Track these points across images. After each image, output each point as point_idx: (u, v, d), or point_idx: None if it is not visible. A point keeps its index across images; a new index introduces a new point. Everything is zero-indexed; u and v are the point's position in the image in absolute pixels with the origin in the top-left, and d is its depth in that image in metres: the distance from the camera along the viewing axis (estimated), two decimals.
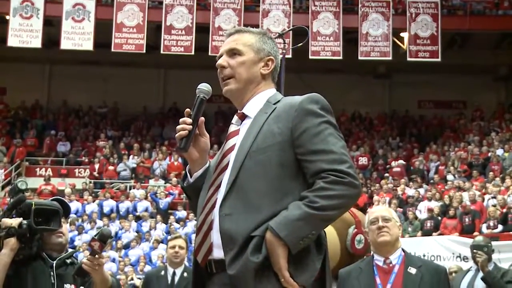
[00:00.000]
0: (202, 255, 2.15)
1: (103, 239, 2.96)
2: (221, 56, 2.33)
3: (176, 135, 2.24)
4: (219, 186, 2.16)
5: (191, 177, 2.32)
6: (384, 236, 3.38)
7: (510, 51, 21.35)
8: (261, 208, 2.06)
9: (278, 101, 2.25)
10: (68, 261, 3.35)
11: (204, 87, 2.29)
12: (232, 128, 2.28)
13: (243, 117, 2.27)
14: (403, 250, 3.48)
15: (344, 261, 3.54)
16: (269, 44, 2.34)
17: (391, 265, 3.40)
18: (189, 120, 2.23)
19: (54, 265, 3.29)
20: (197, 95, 2.28)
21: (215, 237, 2.10)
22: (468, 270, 5.24)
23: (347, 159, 2.10)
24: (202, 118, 2.27)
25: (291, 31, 12.30)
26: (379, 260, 3.42)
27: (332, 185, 2.03)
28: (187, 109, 2.27)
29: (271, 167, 2.10)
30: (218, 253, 2.10)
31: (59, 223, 3.24)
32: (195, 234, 2.21)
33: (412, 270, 3.35)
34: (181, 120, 2.24)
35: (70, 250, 3.51)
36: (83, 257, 9.03)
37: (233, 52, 2.30)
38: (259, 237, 2.02)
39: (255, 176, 2.10)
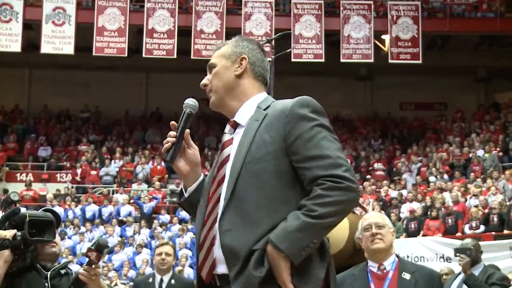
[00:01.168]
0: (206, 271, 2.13)
1: (100, 249, 2.94)
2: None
3: (162, 149, 2.25)
4: (218, 200, 2.14)
5: (186, 193, 2.31)
6: (378, 243, 3.38)
7: (489, 53, 21.62)
8: (260, 220, 2.04)
9: (269, 106, 2.20)
10: (63, 271, 3.33)
11: (191, 102, 2.30)
12: (225, 137, 2.25)
13: (235, 125, 2.24)
14: (397, 255, 3.50)
15: (346, 252, 3.56)
16: (241, 46, 2.30)
17: (385, 271, 3.41)
18: (173, 133, 2.24)
19: (48, 276, 3.27)
20: (184, 109, 2.29)
21: (218, 252, 2.09)
22: (459, 274, 5.29)
23: (343, 162, 2.05)
24: (187, 131, 2.27)
25: (274, 36, 12.31)
26: (373, 266, 3.43)
27: (329, 192, 1.99)
28: (173, 122, 2.27)
29: (267, 177, 2.07)
30: (222, 268, 2.09)
31: (54, 234, 3.22)
32: (196, 249, 2.20)
33: (406, 276, 3.36)
34: (168, 134, 2.26)
35: (63, 260, 3.48)
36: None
37: (210, 68, 2.33)
38: (260, 251, 2.00)
39: (252, 188, 2.07)
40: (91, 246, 2.97)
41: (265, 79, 2.31)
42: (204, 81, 2.32)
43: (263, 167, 2.08)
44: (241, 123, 2.22)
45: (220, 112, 2.32)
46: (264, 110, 2.19)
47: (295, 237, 1.97)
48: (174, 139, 2.22)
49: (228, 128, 2.26)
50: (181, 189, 2.34)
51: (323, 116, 2.14)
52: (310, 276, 2.03)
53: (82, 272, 2.97)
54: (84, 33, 18.67)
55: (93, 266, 2.95)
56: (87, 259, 2.97)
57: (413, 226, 14.19)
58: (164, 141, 2.24)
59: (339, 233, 3.49)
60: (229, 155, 2.19)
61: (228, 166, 2.16)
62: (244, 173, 2.10)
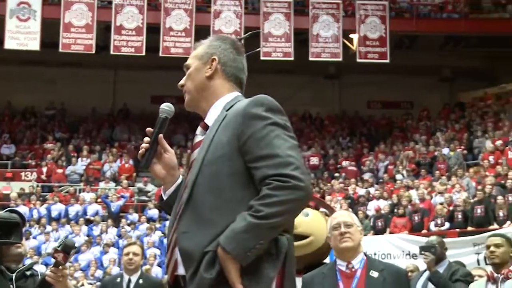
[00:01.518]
0: (170, 272, 2.15)
1: (67, 250, 2.89)
2: None
3: (138, 154, 2.27)
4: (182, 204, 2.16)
5: (164, 196, 2.32)
6: (347, 242, 3.41)
7: (454, 53, 22.00)
8: (215, 222, 2.03)
9: (232, 106, 2.19)
10: (28, 273, 3.28)
11: (166, 107, 2.30)
12: (196, 139, 2.25)
13: (206, 126, 2.24)
14: (365, 254, 3.53)
15: (325, 249, 3.64)
16: (213, 46, 2.30)
17: (353, 269, 3.44)
18: (147, 139, 2.25)
19: (13, 277, 3.21)
20: (160, 114, 2.28)
21: (178, 254, 2.10)
22: (424, 271, 5.38)
23: (293, 161, 2.01)
24: (161, 135, 2.26)
25: (244, 35, 12.32)
26: (341, 264, 3.46)
27: (275, 191, 1.96)
28: (148, 128, 2.27)
29: (222, 179, 2.06)
30: (182, 270, 2.10)
31: (20, 235, 3.17)
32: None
33: (374, 274, 3.40)
34: (143, 139, 2.27)
35: (28, 261, 3.43)
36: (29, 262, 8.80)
37: (186, 68, 2.33)
38: (212, 252, 2.00)
39: (207, 190, 2.07)
40: (58, 247, 2.92)
41: (238, 79, 2.30)
42: (181, 81, 2.33)
43: (218, 168, 2.08)
44: (209, 124, 2.22)
45: (196, 112, 2.33)
46: (227, 111, 2.18)
47: (241, 238, 1.95)
48: (147, 144, 2.24)
49: (199, 129, 2.27)
50: (161, 192, 2.35)
51: (279, 114, 2.10)
52: (261, 276, 2.00)
53: (49, 273, 2.92)
54: (50, 29, 18.38)
55: (60, 267, 2.91)
56: (53, 260, 2.92)
57: (380, 223, 14.35)
58: (140, 147, 2.26)
59: (321, 232, 3.55)
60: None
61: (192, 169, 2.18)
62: (200, 176, 2.10)
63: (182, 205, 2.11)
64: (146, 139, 2.24)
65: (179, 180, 2.31)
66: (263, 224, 1.96)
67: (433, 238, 5.67)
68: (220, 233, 2.00)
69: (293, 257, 2.10)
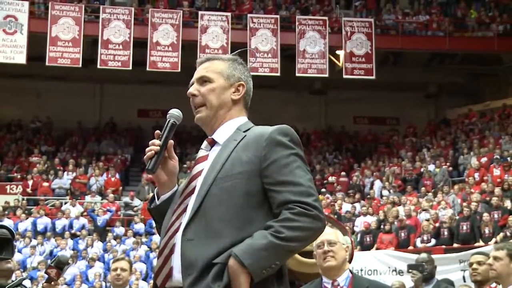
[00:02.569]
0: (162, 279, 2.14)
1: (60, 265, 2.90)
2: (192, 84, 2.34)
3: (144, 156, 2.24)
4: (184, 210, 2.17)
5: (158, 200, 2.32)
6: (330, 261, 3.43)
7: (439, 70, 22.26)
8: (223, 235, 2.07)
9: (248, 129, 2.26)
10: None
11: (175, 112, 2.30)
12: (201, 153, 2.29)
13: (212, 142, 2.28)
14: (350, 271, 3.56)
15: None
16: (239, 70, 2.34)
17: (338, 287, 3.47)
18: (158, 142, 2.23)
19: None
20: (168, 119, 2.28)
21: (176, 261, 2.11)
22: None
23: (314, 193, 2.12)
24: (171, 141, 2.27)
25: (230, 51, 12.38)
26: (327, 282, 3.49)
27: (298, 217, 2.05)
28: (157, 131, 2.27)
29: (237, 195, 2.11)
30: (178, 277, 2.10)
31: (12, 251, 3.16)
32: (157, 257, 2.22)
33: None
34: (150, 142, 2.24)
35: (18, 277, 3.42)
36: (14, 278, 8.71)
37: (203, 80, 2.31)
38: (221, 265, 2.03)
39: (220, 203, 2.11)
40: (51, 263, 2.93)
41: (248, 105, 2.38)
42: (194, 91, 2.31)
43: (234, 184, 2.12)
44: (219, 142, 2.27)
45: (201, 127, 2.34)
46: (244, 132, 2.24)
47: (260, 255, 2.00)
48: (158, 147, 2.22)
49: (205, 144, 2.30)
50: (153, 195, 2.35)
51: (299, 147, 2.20)
52: None
53: None
54: (37, 43, 18.34)
55: (52, 283, 2.91)
56: (46, 276, 2.93)
57: (368, 239, 14.39)
58: (147, 149, 2.23)
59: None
60: (202, 170, 2.22)
61: (200, 180, 2.19)
62: (214, 188, 2.14)
63: (191, 212, 2.13)
64: (156, 142, 2.23)
65: (175, 188, 2.31)
66: (283, 245, 2.03)
67: (423, 255, 5.67)
68: (228, 247, 2.04)
69: (287, 276, 2.17)
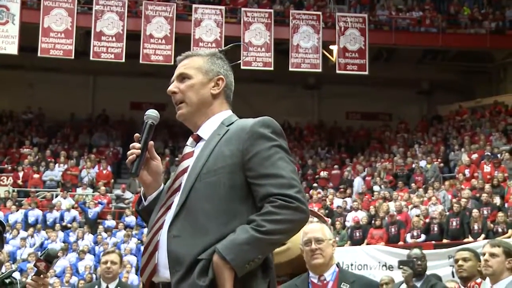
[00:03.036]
0: (146, 276, 2.16)
1: (49, 259, 2.90)
2: (172, 82, 2.35)
3: (127, 160, 2.26)
4: (169, 207, 2.18)
5: (145, 201, 2.33)
6: (318, 259, 3.45)
7: (432, 67, 22.33)
8: (208, 230, 2.08)
9: (232, 123, 2.26)
10: (7, 280, 3.27)
11: (152, 113, 2.32)
12: (186, 149, 2.30)
13: (198, 139, 2.29)
14: (337, 265, 3.58)
15: (299, 261, 3.61)
16: (218, 64, 2.35)
17: (325, 281, 3.49)
18: (138, 145, 2.25)
19: None
20: (145, 120, 2.30)
21: (162, 257, 2.12)
22: (402, 282, 5.43)
23: (296, 184, 2.10)
24: (151, 142, 2.29)
25: (223, 44, 12.35)
26: (313, 277, 3.51)
27: (279, 210, 2.05)
28: (136, 134, 2.28)
29: (221, 190, 2.12)
30: (164, 273, 2.11)
31: (2, 243, 3.16)
32: (142, 254, 2.23)
33: (345, 286, 3.45)
34: (131, 145, 2.26)
35: (8, 269, 3.42)
36: (5, 270, 8.73)
37: (182, 77, 2.33)
38: (205, 261, 2.04)
39: (205, 198, 2.12)
40: (40, 256, 2.92)
41: (230, 99, 2.38)
42: (173, 88, 2.32)
43: (217, 179, 2.13)
44: (204, 137, 2.28)
45: (185, 124, 2.35)
46: (227, 126, 2.25)
47: (241, 250, 2.01)
48: (139, 151, 2.24)
49: (190, 141, 2.31)
50: (140, 197, 2.36)
51: (282, 138, 2.19)
52: None
53: (30, 282, 2.93)
54: (29, 33, 18.25)
55: (42, 276, 2.92)
56: (35, 269, 2.93)
57: (357, 234, 14.44)
58: (128, 153, 2.25)
59: (298, 239, 3.55)
60: (187, 167, 2.23)
61: (185, 177, 2.20)
62: (198, 184, 2.15)
63: (176, 209, 2.14)
64: (137, 145, 2.24)
65: (161, 187, 2.33)
66: (265, 239, 2.04)
67: (416, 251, 5.68)
68: (213, 242, 2.05)
69: (273, 269, 2.18)
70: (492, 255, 3.90)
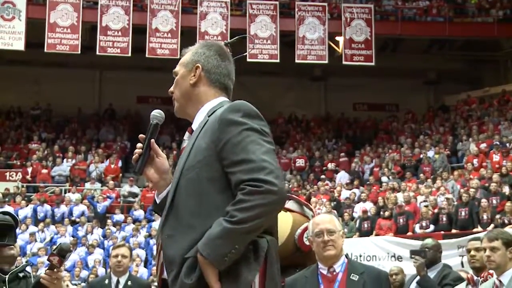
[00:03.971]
0: (158, 273, 2.21)
1: (62, 253, 2.94)
2: None
3: (132, 159, 2.32)
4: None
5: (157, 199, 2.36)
6: (330, 250, 3.45)
7: (438, 56, 22.21)
8: (195, 227, 2.08)
9: (214, 112, 2.21)
10: (21, 274, 3.31)
11: (157, 114, 2.35)
12: (183, 144, 2.32)
13: (192, 132, 2.30)
14: (346, 257, 3.59)
15: (284, 251, 3.53)
16: (199, 54, 2.34)
17: (334, 273, 3.49)
18: (140, 145, 2.29)
19: (6, 279, 3.23)
20: (151, 121, 2.34)
21: (163, 257, 2.16)
22: (416, 275, 5.39)
23: (267, 165, 2.03)
24: (153, 140, 2.30)
25: (229, 37, 12.33)
26: (323, 268, 3.51)
27: (249, 196, 1.99)
28: (141, 135, 2.31)
29: (200, 184, 2.10)
30: (166, 273, 2.16)
31: (15, 237, 3.20)
32: None
33: (355, 277, 3.45)
34: (137, 145, 2.31)
35: (19, 263, 3.46)
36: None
37: (174, 76, 2.40)
38: (192, 258, 2.04)
39: (187, 194, 2.11)
40: (53, 250, 2.97)
41: (222, 84, 2.34)
42: (171, 88, 2.39)
43: (196, 174, 2.12)
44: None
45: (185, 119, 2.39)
46: (209, 116, 2.22)
47: (216, 244, 1.99)
48: (141, 150, 2.28)
49: (187, 135, 2.33)
50: (154, 198, 2.39)
51: (256, 119, 2.13)
52: (239, 280, 2.04)
53: (44, 276, 2.97)
54: (35, 29, 18.29)
55: (55, 270, 2.95)
56: (48, 263, 2.97)
57: (366, 225, 14.43)
58: (134, 152, 2.31)
59: (279, 230, 3.50)
60: None
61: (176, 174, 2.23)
62: (182, 181, 2.15)
63: (166, 209, 2.17)
64: (139, 145, 2.28)
65: (170, 185, 2.33)
66: (237, 229, 1.99)
67: (428, 240, 5.63)
68: (199, 238, 2.04)
69: (275, 258, 2.13)
70: (493, 249, 3.87)
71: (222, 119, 2.13)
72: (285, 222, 3.61)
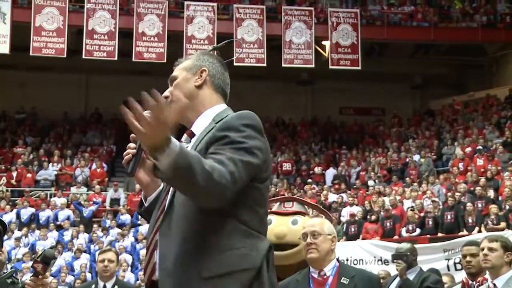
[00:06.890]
0: (147, 275, 2.18)
1: (46, 260, 2.91)
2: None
3: (123, 161, 2.26)
4: (165, 207, 2.19)
5: (146, 202, 2.34)
6: (312, 253, 3.47)
7: (424, 61, 22.38)
8: (188, 229, 2.09)
9: (222, 119, 2.21)
10: (9, 280, 3.27)
11: (149, 114, 2.31)
12: None
13: (192, 135, 2.29)
14: (338, 260, 3.60)
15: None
16: (202, 59, 2.38)
17: (325, 276, 3.50)
18: (133, 145, 2.25)
19: None
20: None
21: (157, 257, 2.15)
22: (396, 276, 5.46)
23: (235, 170, 2.01)
24: None
25: (216, 41, 12.34)
26: (314, 272, 3.52)
27: (223, 171, 2.01)
28: (132, 135, 2.26)
29: None
30: (157, 273, 2.14)
31: (1, 243, 3.16)
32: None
33: (345, 281, 3.46)
34: (127, 146, 2.27)
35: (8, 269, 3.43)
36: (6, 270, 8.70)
37: (171, 80, 2.38)
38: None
39: (184, 197, 2.10)
40: (37, 257, 2.94)
41: (224, 91, 2.37)
42: (166, 93, 2.34)
43: None
44: (196, 134, 2.27)
45: (180, 122, 2.35)
46: (216, 123, 2.22)
47: (185, 156, 1.93)
48: (134, 150, 2.23)
49: (184, 137, 2.31)
50: (141, 199, 2.37)
51: (258, 134, 2.15)
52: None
53: (29, 282, 2.94)
54: (21, 32, 18.16)
55: (40, 276, 2.93)
56: (32, 270, 2.95)
57: (353, 229, 14.46)
58: (124, 153, 2.25)
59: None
60: None
61: None
62: None
63: (164, 209, 2.16)
64: (132, 145, 2.25)
65: (160, 187, 2.33)
66: (201, 171, 1.92)
67: (404, 244, 5.72)
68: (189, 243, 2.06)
69: (272, 263, 2.14)
70: (491, 249, 3.92)
71: (226, 121, 2.16)
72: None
